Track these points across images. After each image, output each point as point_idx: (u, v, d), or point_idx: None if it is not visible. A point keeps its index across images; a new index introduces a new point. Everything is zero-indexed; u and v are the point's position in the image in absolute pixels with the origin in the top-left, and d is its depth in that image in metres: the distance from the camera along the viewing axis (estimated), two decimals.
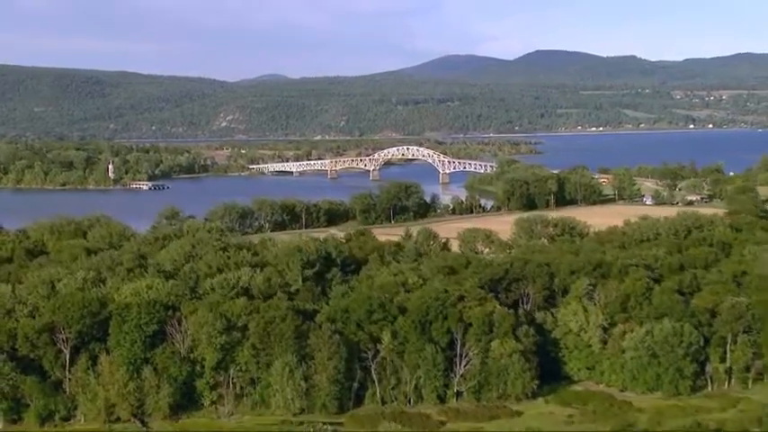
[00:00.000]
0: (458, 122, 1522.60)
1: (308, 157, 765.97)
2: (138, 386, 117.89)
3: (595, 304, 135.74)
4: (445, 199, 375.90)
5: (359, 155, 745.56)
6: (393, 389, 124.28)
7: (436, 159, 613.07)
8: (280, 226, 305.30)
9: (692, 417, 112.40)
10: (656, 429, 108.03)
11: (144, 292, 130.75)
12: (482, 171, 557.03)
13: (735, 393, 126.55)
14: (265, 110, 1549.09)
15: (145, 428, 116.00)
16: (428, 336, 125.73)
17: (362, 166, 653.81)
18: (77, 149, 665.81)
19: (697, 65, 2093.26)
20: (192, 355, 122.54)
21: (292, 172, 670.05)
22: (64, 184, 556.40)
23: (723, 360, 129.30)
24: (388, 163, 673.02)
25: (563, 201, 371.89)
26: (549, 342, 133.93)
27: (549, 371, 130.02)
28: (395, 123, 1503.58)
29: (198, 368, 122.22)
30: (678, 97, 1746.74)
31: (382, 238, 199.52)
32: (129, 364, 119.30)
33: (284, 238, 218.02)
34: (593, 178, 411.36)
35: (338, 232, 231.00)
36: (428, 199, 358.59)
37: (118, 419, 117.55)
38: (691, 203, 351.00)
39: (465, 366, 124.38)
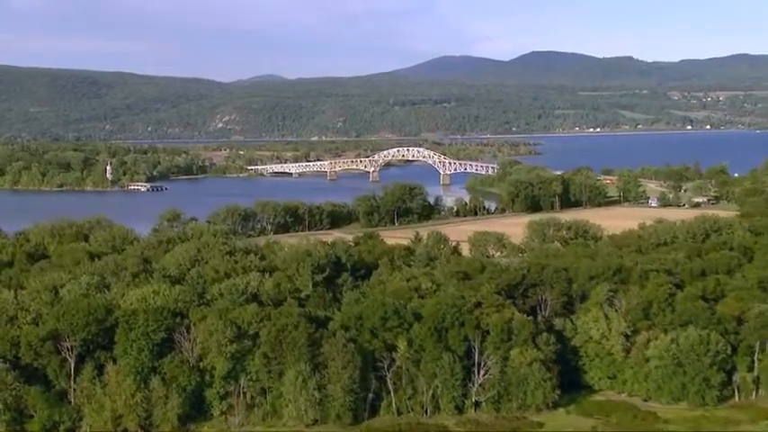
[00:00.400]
0: (455, 123, 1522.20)
1: (307, 158, 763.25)
2: (145, 396, 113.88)
3: (616, 311, 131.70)
4: (448, 201, 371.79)
5: (358, 156, 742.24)
6: (409, 399, 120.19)
7: (437, 160, 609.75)
8: (282, 228, 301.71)
9: (721, 428, 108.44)
10: None
11: (151, 298, 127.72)
12: (483, 172, 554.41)
13: (763, 404, 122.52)
14: (261, 111, 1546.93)
15: None
16: (445, 344, 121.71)
17: (362, 168, 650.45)
18: (74, 150, 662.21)
19: (693, 66, 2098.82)
20: (201, 364, 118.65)
21: (291, 173, 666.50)
22: (61, 186, 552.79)
23: (751, 369, 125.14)
24: (387, 164, 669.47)
25: (567, 203, 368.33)
26: (569, 350, 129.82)
27: (568, 380, 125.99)
28: (391, 124, 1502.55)
29: (207, 377, 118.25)
30: (675, 98, 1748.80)
31: (389, 241, 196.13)
32: (137, 373, 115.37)
33: (289, 241, 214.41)
34: (597, 180, 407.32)
35: (344, 235, 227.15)
36: (431, 201, 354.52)
37: (125, 431, 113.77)
38: (697, 205, 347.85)
39: (484, 376, 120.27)
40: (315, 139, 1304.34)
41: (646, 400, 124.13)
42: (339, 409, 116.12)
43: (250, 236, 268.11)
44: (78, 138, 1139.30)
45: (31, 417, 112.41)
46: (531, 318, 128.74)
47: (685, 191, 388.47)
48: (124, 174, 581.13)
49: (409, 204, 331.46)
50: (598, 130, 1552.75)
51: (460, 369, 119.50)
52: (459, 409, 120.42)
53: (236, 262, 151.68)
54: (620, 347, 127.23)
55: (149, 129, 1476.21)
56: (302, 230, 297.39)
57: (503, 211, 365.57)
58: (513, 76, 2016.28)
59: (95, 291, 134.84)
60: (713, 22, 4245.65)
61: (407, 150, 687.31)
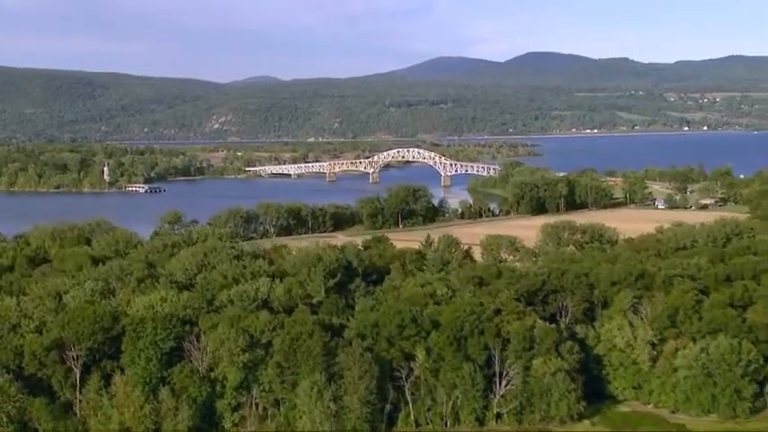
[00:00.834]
0: (451, 124, 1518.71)
1: (305, 159, 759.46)
2: (154, 408, 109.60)
3: (641, 318, 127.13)
4: (452, 203, 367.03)
5: (357, 157, 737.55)
6: (428, 410, 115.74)
7: (437, 162, 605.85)
8: (285, 230, 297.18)
9: None
10: None
11: (158, 305, 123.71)
12: (484, 174, 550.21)
13: None
14: (257, 112, 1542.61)
15: None
16: (464, 352, 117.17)
17: (362, 169, 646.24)
18: (71, 152, 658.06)
19: (689, 67, 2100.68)
20: (212, 374, 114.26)
21: (290, 174, 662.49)
22: (58, 187, 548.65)
23: None
24: (386, 165, 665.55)
25: (573, 204, 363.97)
26: (591, 359, 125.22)
27: (591, 390, 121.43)
28: (388, 125, 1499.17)
29: (218, 388, 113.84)
30: (672, 99, 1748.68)
31: (396, 244, 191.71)
32: (145, 383, 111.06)
33: (294, 243, 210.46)
34: (603, 181, 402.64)
35: (350, 238, 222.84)
36: (434, 203, 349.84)
37: None
38: (705, 207, 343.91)
39: (505, 386, 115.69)
40: (311, 140, 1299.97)
41: (673, 412, 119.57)
42: (355, 421, 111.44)
43: (252, 238, 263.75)
44: (74, 139, 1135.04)
45: (36, 429, 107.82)
46: (553, 325, 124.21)
47: (691, 192, 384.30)
48: (121, 175, 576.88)
49: (413, 206, 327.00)
50: (595, 131, 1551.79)
51: (481, 379, 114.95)
52: (480, 421, 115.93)
53: (245, 267, 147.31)
54: (647, 356, 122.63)
55: (145, 130, 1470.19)
56: (305, 233, 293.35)
57: (507, 213, 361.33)
58: (509, 77, 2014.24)
59: (100, 297, 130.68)
60: (709, 23, 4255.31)
61: (407, 152, 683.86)
